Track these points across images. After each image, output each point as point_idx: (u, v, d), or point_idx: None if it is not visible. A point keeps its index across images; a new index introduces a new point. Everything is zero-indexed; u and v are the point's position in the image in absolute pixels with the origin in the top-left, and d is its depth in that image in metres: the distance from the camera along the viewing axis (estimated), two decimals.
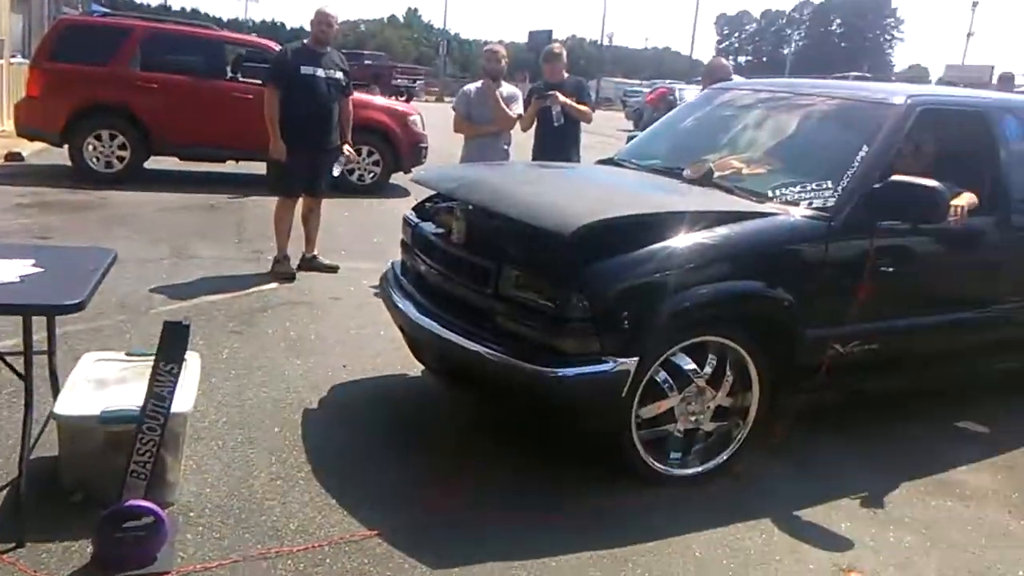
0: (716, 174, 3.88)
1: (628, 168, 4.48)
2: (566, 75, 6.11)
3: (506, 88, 6.07)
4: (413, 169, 8.81)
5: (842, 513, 3.18)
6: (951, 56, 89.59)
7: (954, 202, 3.62)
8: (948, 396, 4.29)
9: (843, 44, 68.09)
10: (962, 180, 3.78)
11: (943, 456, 3.73)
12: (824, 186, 3.57)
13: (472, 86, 6.23)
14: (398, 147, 9.96)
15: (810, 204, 3.53)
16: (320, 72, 5.78)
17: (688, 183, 3.87)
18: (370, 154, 9.85)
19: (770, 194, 3.63)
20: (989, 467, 3.67)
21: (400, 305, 3.70)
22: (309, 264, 6.10)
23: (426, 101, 30.35)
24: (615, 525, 2.95)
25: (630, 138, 5.76)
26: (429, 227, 3.81)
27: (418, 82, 34.14)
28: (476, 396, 3.67)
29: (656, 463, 3.25)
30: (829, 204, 3.51)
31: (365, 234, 7.44)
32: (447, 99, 28.71)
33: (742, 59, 69.31)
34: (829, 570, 2.79)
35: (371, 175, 9.96)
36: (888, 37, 73.66)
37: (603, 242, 3.06)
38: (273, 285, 5.63)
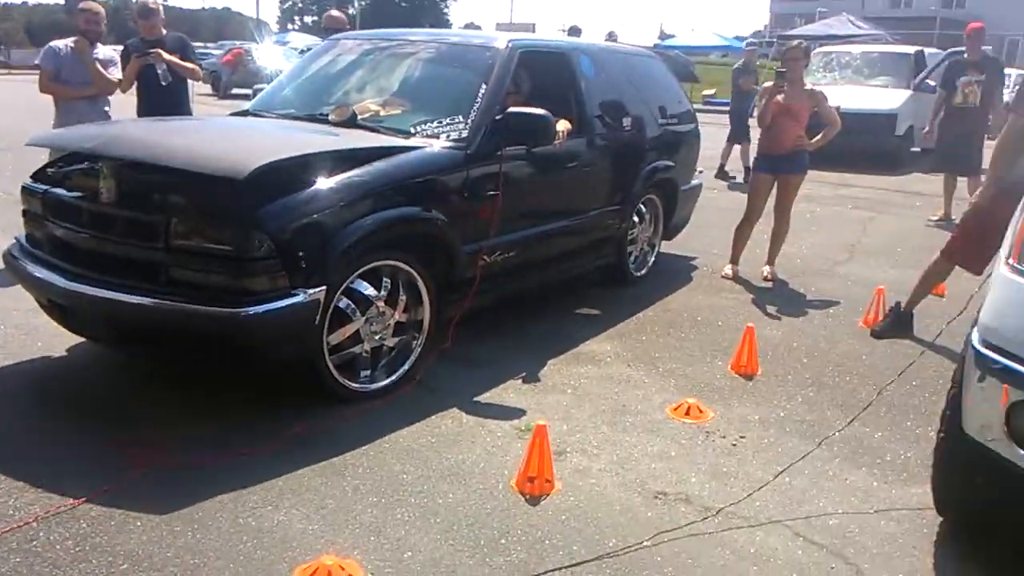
0: (359, 116, 4.19)
1: (268, 117, 4.58)
2: (165, 31, 5.85)
3: (101, 51, 5.61)
4: None
5: (510, 391, 3.79)
6: (499, 15, 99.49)
7: (557, 128, 4.38)
8: (569, 287, 5.19)
9: (403, 3, 71.65)
10: (556, 110, 4.52)
11: (573, 335, 4.56)
12: (457, 120, 4.09)
13: (61, 43, 5.64)
14: None
15: (448, 136, 4.02)
16: None
17: (336, 126, 4.12)
18: None
19: (413, 131, 4.06)
20: (606, 338, 4.58)
21: (42, 276, 3.43)
22: None
23: None
24: (326, 443, 3.18)
25: (256, 91, 5.77)
26: (65, 191, 3.56)
27: None
28: (151, 353, 3.58)
29: (350, 382, 3.54)
30: (464, 135, 4.03)
31: None
32: None
33: (308, 19, 69.08)
34: (513, 433, 3.36)
35: None
36: None
37: (276, 183, 3.21)
38: None
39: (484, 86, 4.22)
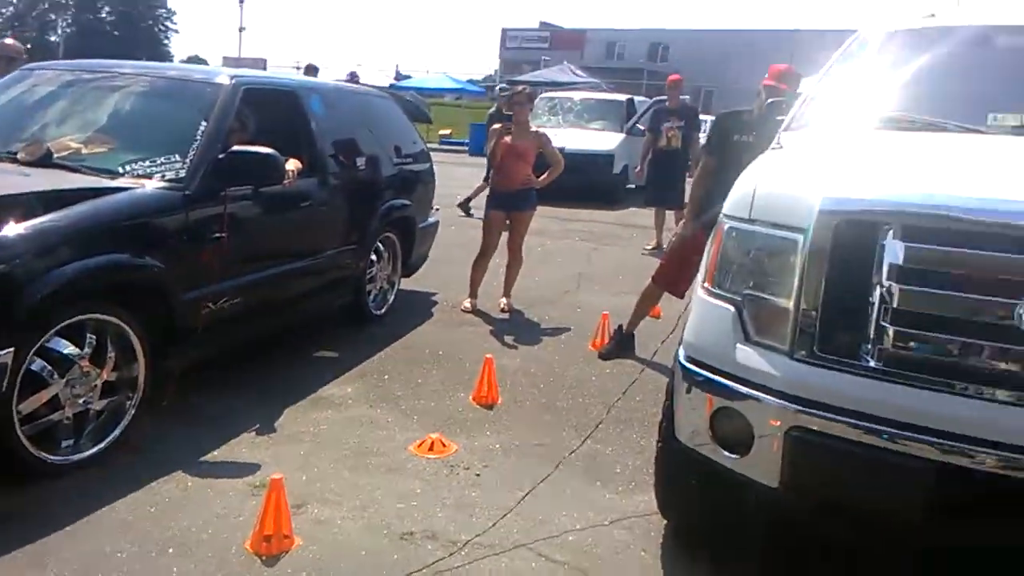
0: (55, 155, 3.75)
1: None
2: None
3: None
4: None
5: (243, 446, 3.53)
6: (227, 48, 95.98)
7: (286, 167, 4.21)
8: (306, 330, 5.00)
9: (116, 32, 66.39)
10: (285, 149, 4.33)
11: (312, 379, 4.37)
12: (173, 159, 3.79)
13: None
14: None
15: (163, 176, 3.71)
16: None
17: (27, 165, 3.65)
18: None
19: (121, 170, 3.70)
20: (346, 380, 4.44)
21: None
22: None
23: None
24: (22, 529, 2.74)
25: None
26: None
27: None
28: None
29: (49, 455, 3.09)
30: (182, 175, 3.74)
31: None
32: None
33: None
34: (246, 491, 3.12)
35: None
36: (163, 28, 74.29)
37: None
38: None
39: (204, 123, 3.96)
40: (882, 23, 3.78)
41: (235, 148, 3.90)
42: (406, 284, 6.14)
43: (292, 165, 4.36)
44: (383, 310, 5.67)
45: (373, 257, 5.46)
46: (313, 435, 3.70)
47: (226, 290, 3.91)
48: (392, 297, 5.79)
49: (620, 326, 5.18)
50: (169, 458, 3.33)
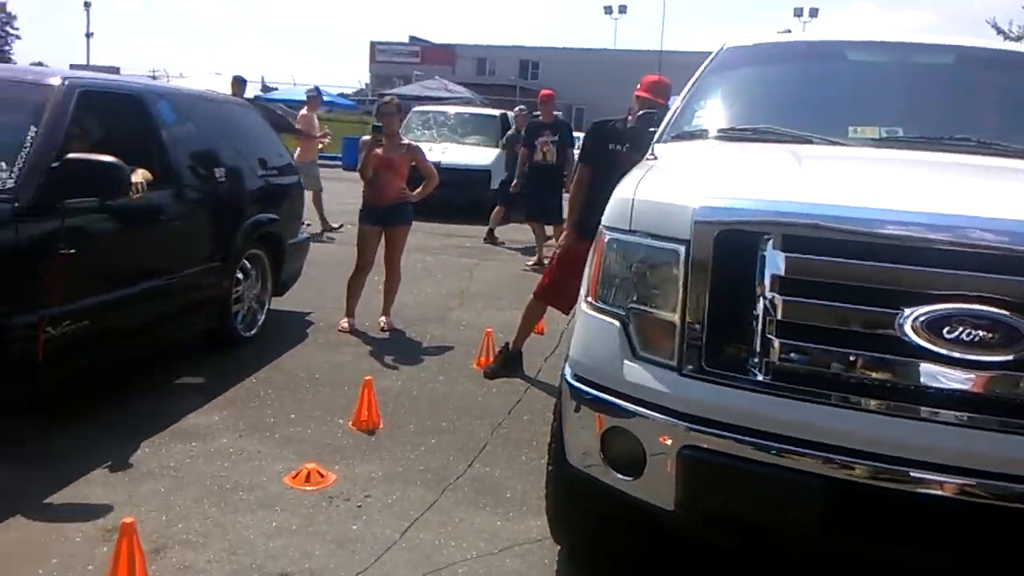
0: None
1: None
2: None
3: None
4: None
5: (96, 486, 3.19)
6: (74, 55, 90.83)
7: (132, 178, 3.86)
8: (167, 356, 4.62)
9: None
10: (132, 159, 3.93)
11: (174, 409, 4.02)
12: None
13: None
14: None
15: None
16: None
17: None
18: None
19: None
20: (212, 408, 4.12)
21: None
22: None
23: None
24: None
25: None
26: None
27: None
28: None
29: None
30: (9, 186, 3.37)
31: None
32: None
33: None
34: (99, 536, 2.80)
35: None
36: (2, 33, 69.63)
37: None
38: None
39: (34, 128, 3.57)
40: (742, 37, 3.89)
41: (71, 156, 3.54)
42: (277, 304, 5.81)
43: (140, 176, 4.02)
44: (253, 332, 5.34)
45: (239, 275, 5.14)
46: (174, 470, 3.39)
47: (69, 313, 3.54)
48: (262, 318, 5.47)
49: (507, 344, 5.07)
50: (8, 501, 2.96)
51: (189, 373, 4.60)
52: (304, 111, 10.94)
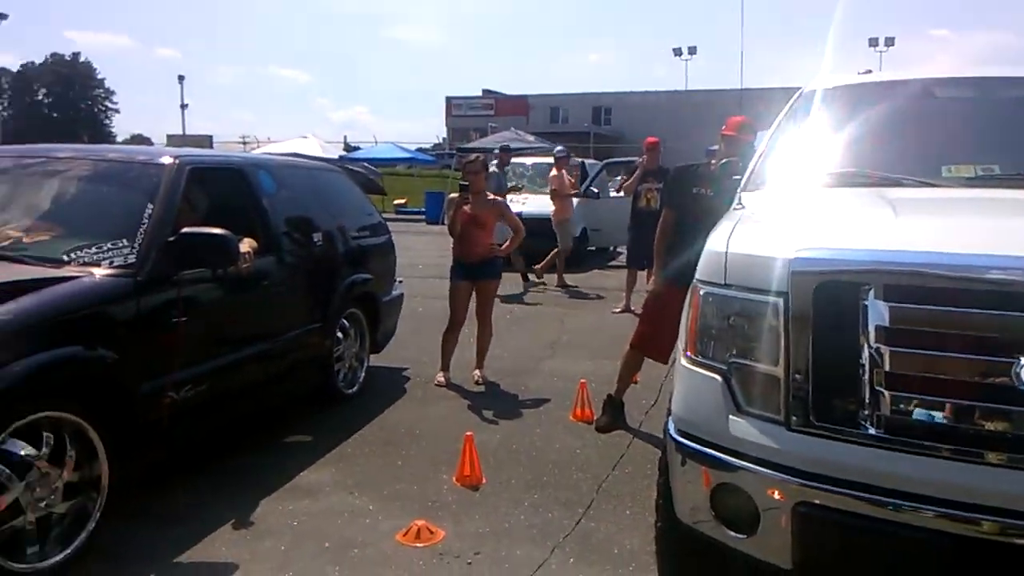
0: None
1: None
2: None
3: None
4: None
5: (219, 544, 3.34)
6: (170, 126, 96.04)
7: (240, 248, 4.09)
8: (276, 415, 4.82)
9: (55, 114, 65.90)
10: (237, 229, 4.11)
11: (286, 467, 4.19)
12: (121, 244, 3.65)
13: None
14: None
15: (111, 263, 3.57)
16: None
17: None
18: None
19: (66, 258, 3.56)
20: (322, 465, 4.27)
21: None
22: None
23: None
24: None
25: None
26: None
27: None
28: None
29: (15, 563, 2.89)
30: (131, 261, 3.60)
31: None
32: None
33: None
34: None
35: None
36: (102, 108, 73.95)
37: None
38: None
39: (151, 206, 3.84)
40: (823, 80, 3.84)
41: (185, 230, 3.78)
42: (376, 361, 6.00)
43: (247, 245, 4.24)
44: (354, 389, 5.52)
45: (339, 335, 5.33)
46: (292, 528, 3.52)
47: (188, 378, 3.75)
48: (362, 375, 5.65)
49: (609, 395, 5.06)
50: (140, 562, 3.15)
51: (297, 432, 4.78)
52: (553, 172, 11.46)
